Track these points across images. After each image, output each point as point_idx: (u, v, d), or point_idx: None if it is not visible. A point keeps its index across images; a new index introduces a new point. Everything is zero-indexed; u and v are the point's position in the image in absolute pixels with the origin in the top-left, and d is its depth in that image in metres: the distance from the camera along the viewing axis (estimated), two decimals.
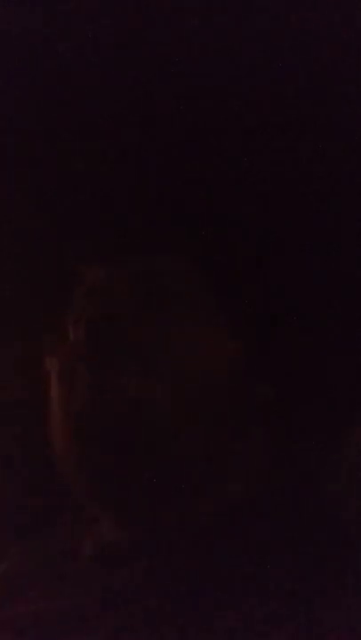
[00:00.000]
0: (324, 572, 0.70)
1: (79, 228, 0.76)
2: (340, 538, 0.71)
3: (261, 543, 0.70)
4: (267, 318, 0.73)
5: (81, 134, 0.75)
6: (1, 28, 0.76)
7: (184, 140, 0.75)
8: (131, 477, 0.72)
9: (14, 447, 0.78)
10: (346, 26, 0.74)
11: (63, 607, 0.70)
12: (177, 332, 0.73)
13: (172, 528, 0.71)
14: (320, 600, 0.70)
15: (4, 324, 0.79)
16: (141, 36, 0.75)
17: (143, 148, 0.75)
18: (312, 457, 0.72)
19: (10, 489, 0.78)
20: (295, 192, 0.74)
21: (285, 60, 0.74)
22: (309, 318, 0.73)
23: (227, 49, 0.74)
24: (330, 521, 0.71)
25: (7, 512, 0.78)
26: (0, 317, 0.79)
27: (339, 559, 0.71)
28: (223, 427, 0.73)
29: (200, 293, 0.74)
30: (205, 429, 0.72)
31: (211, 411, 0.72)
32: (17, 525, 0.77)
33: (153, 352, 0.72)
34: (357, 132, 0.75)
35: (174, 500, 0.72)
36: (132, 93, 0.75)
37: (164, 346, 0.72)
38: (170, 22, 0.75)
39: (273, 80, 0.74)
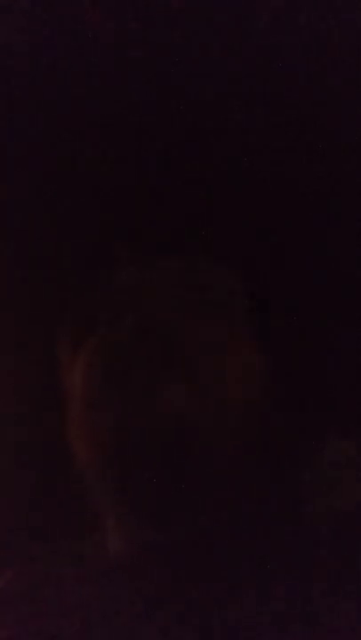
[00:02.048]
0: (323, 573, 0.70)
1: (110, 222, 0.75)
2: (340, 540, 0.71)
3: (262, 545, 0.70)
4: (266, 319, 0.73)
5: (81, 134, 0.75)
6: (1, 28, 0.76)
7: (184, 140, 0.75)
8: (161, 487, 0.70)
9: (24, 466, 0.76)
10: (346, 26, 0.74)
11: (51, 629, 0.69)
12: (215, 340, 0.72)
13: (186, 541, 0.70)
14: (320, 600, 0.70)
15: (29, 320, 0.76)
16: (141, 36, 0.75)
17: (143, 149, 0.75)
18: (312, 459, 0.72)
19: (8, 506, 0.75)
20: (295, 192, 0.74)
21: (285, 60, 0.74)
22: (309, 318, 0.73)
23: (227, 49, 0.74)
24: (330, 523, 0.71)
25: (5, 532, 0.75)
26: (24, 311, 0.76)
27: (338, 560, 0.71)
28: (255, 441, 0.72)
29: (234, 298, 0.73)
30: (243, 445, 0.71)
31: (248, 427, 0.71)
32: (14, 545, 0.74)
33: (195, 361, 0.71)
34: (357, 132, 0.75)
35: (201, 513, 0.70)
36: (131, 93, 0.75)
37: (207, 355, 0.71)
38: (170, 22, 0.75)
39: (273, 80, 0.74)
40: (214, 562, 0.70)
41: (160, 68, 0.74)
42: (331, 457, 0.72)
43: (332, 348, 0.73)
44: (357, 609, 0.70)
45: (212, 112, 0.75)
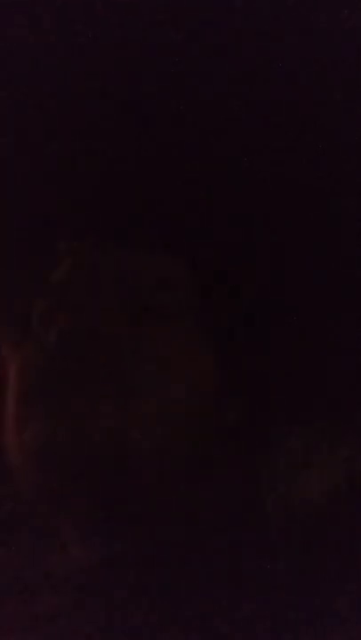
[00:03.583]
0: (324, 573, 0.70)
1: (62, 208, 0.73)
2: (340, 540, 0.71)
3: (261, 546, 0.70)
4: (267, 320, 0.73)
5: (80, 134, 0.75)
6: (1, 27, 0.76)
7: (184, 140, 0.75)
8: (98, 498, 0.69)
9: None
10: (346, 25, 0.74)
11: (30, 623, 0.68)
12: (161, 351, 0.70)
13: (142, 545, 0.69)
14: (320, 600, 0.70)
15: None
16: (141, 36, 0.75)
17: (143, 148, 0.75)
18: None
19: None
20: (295, 192, 0.74)
21: (285, 60, 0.74)
22: (309, 319, 0.73)
23: (227, 49, 0.74)
24: (328, 525, 0.71)
25: None
26: None
27: (339, 560, 0.71)
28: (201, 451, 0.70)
29: (192, 303, 0.71)
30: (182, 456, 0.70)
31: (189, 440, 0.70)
32: None
33: (130, 374, 0.69)
34: (358, 132, 0.75)
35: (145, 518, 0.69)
36: (132, 93, 0.75)
37: (144, 366, 0.69)
38: (170, 22, 0.75)
39: (273, 80, 0.74)
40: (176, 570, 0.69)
41: (160, 68, 0.74)
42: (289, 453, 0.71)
43: (332, 348, 0.73)
44: (358, 608, 0.70)
45: (212, 112, 0.75)
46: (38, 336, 0.70)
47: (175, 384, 0.69)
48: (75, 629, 0.69)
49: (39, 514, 0.70)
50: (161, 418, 0.69)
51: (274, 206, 0.74)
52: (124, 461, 0.68)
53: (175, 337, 0.71)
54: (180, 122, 0.75)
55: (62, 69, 0.75)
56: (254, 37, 0.74)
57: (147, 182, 0.74)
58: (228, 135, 0.74)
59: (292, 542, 0.69)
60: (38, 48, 0.75)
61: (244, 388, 0.70)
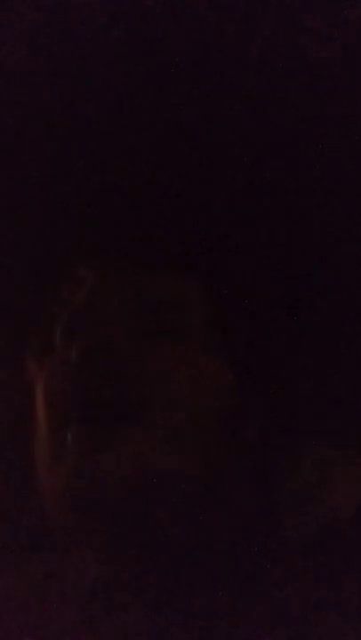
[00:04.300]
0: (323, 572, 0.71)
1: (77, 229, 0.74)
2: (340, 540, 0.71)
3: (261, 547, 0.71)
4: (267, 325, 0.73)
5: (80, 134, 0.75)
6: (0, 27, 0.76)
7: (184, 140, 0.75)
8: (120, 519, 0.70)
9: None
10: (346, 26, 0.74)
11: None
12: (178, 368, 0.70)
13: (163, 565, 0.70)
14: (320, 599, 0.71)
15: None
16: (142, 36, 0.74)
17: (143, 149, 0.75)
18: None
19: None
20: (296, 193, 0.74)
21: (286, 60, 0.74)
22: (328, 338, 0.72)
23: (227, 49, 0.74)
24: (328, 526, 0.71)
25: None
26: None
27: (339, 560, 0.71)
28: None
29: (209, 322, 0.71)
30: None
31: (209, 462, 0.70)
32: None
33: (145, 393, 0.69)
34: (358, 132, 0.74)
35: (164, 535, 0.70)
36: (131, 93, 0.75)
37: (159, 386, 0.70)
38: (171, 22, 0.74)
39: (273, 80, 0.74)
40: (194, 584, 0.70)
41: (160, 69, 0.74)
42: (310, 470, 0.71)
43: (335, 356, 0.73)
44: (358, 608, 0.71)
45: (212, 111, 0.74)
46: (61, 355, 0.70)
47: (192, 403, 0.70)
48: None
49: (63, 536, 0.71)
50: (178, 437, 0.69)
51: (274, 208, 0.74)
52: (143, 483, 0.69)
53: (192, 356, 0.71)
54: (179, 121, 0.74)
55: (61, 70, 0.75)
56: (254, 37, 0.74)
57: (164, 205, 0.74)
58: (228, 135, 0.74)
59: (310, 564, 0.70)
60: (37, 49, 0.75)
61: (262, 406, 0.71)
